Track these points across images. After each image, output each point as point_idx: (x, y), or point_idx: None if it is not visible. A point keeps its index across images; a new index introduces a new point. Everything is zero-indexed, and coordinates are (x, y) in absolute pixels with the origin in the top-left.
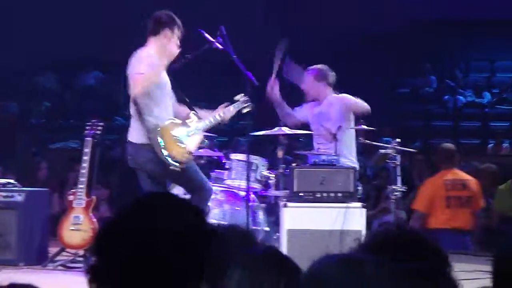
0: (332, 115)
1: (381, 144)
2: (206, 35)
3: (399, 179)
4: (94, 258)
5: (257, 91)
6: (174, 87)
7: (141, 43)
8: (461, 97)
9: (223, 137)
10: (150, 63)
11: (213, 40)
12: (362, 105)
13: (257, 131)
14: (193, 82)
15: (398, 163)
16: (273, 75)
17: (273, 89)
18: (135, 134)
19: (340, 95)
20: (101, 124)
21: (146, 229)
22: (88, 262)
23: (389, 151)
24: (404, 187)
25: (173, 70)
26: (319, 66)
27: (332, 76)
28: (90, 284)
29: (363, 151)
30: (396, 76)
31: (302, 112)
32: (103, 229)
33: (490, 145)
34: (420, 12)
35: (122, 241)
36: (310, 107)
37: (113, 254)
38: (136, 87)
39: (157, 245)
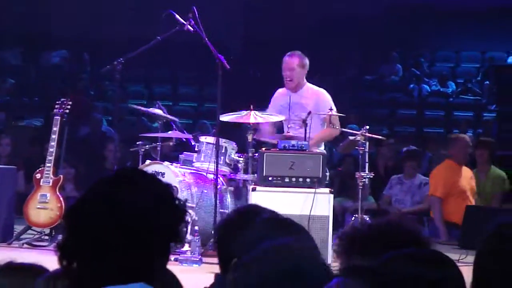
0: (309, 107)
1: (351, 131)
2: (178, 16)
3: (367, 165)
4: (63, 236)
5: (227, 74)
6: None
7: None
8: (426, 86)
9: (187, 120)
10: None
11: (185, 23)
12: (335, 124)
13: (224, 114)
14: (159, 63)
15: (366, 150)
16: None
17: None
18: None
19: (319, 91)
20: (69, 103)
21: (113, 202)
22: (54, 240)
23: (358, 138)
24: (371, 174)
25: (141, 51)
26: (299, 52)
27: (308, 63)
28: (60, 262)
29: None
30: (363, 63)
31: (275, 108)
32: (71, 205)
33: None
34: None
35: (90, 216)
36: (282, 97)
37: (82, 230)
38: None
39: (124, 218)
